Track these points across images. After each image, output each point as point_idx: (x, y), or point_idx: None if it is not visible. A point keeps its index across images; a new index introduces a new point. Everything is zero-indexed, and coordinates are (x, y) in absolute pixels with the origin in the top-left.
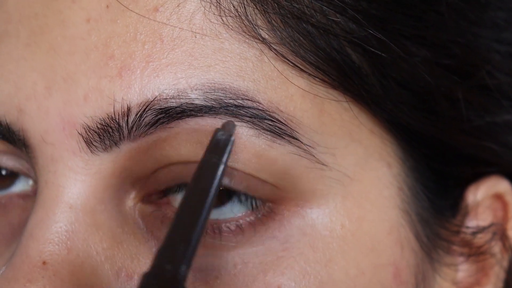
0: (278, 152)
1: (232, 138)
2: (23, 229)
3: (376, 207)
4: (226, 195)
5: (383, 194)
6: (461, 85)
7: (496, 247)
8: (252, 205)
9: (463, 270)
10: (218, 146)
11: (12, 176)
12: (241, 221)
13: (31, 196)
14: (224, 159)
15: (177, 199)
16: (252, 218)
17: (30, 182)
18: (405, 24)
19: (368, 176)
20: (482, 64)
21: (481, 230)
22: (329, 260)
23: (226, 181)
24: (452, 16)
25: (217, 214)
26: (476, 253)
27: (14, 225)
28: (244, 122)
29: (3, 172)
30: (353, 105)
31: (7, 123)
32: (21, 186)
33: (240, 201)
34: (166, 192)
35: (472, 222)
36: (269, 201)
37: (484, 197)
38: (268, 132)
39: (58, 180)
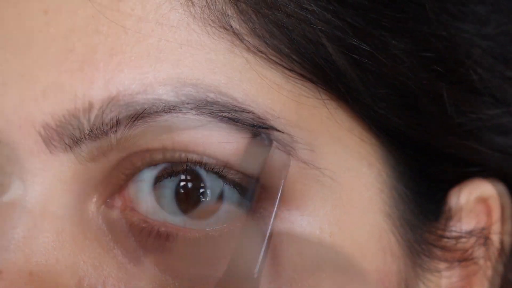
0: (256, 148)
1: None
2: None
3: (357, 209)
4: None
5: (364, 196)
6: (442, 80)
7: (480, 253)
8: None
9: (447, 276)
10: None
11: None
12: (225, 224)
13: None
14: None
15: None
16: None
17: None
18: (384, 15)
19: (348, 177)
20: (464, 59)
21: (464, 235)
22: (317, 267)
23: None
24: (433, 8)
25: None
26: (459, 259)
27: None
28: (218, 118)
29: None
30: (331, 101)
31: None
32: None
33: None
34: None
35: (455, 227)
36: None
37: (467, 200)
38: (247, 127)
39: (15, 183)
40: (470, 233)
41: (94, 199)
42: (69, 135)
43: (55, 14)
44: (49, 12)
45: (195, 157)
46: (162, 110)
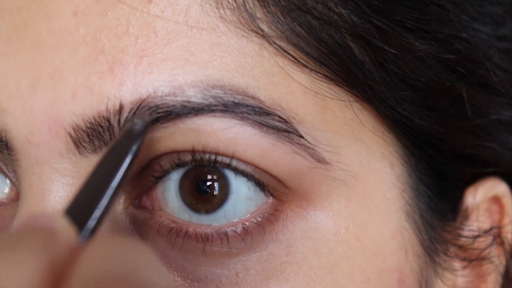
0: (281, 152)
1: (147, 127)
2: None
3: (380, 209)
4: (226, 192)
5: (387, 196)
6: (463, 81)
7: (494, 252)
8: (256, 201)
9: (463, 275)
10: (132, 133)
11: None
12: (247, 223)
13: (7, 204)
14: (135, 147)
15: (166, 200)
16: (258, 218)
17: (6, 189)
18: (408, 17)
19: (371, 176)
20: (483, 60)
21: (481, 233)
22: (334, 265)
23: (234, 163)
24: (453, 10)
25: (223, 216)
26: (476, 258)
27: None
28: (245, 120)
29: None
30: (356, 102)
31: None
32: None
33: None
34: (156, 188)
35: (472, 226)
36: (272, 196)
37: (482, 199)
38: (271, 131)
39: (44, 184)
40: (486, 233)
41: (122, 200)
42: (99, 136)
43: (85, 16)
44: (78, 14)
45: (224, 159)
46: (190, 112)
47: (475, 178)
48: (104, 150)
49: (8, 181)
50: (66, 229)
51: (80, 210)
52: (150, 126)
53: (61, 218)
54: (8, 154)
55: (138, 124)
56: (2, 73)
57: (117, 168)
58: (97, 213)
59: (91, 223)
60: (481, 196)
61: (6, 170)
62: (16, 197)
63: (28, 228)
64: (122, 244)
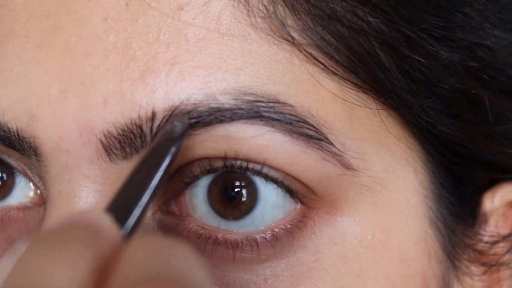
0: (311, 159)
1: (186, 130)
2: None
3: (404, 215)
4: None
5: (411, 202)
6: (485, 88)
7: (511, 257)
8: (283, 207)
9: (482, 280)
10: (172, 135)
11: (6, 186)
12: (276, 229)
13: (31, 208)
14: (174, 149)
15: (193, 206)
16: (287, 225)
17: (30, 193)
18: (434, 25)
19: (396, 183)
20: (504, 67)
21: (501, 239)
22: (361, 271)
23: (265, 170)
24: (476, 18)
25: (250, 222)
26: (495, 263)
27: (14, 239)
28: (277, 127)
29: None
30: (382, 110)
31: (16, 130)
32: (18, 197)
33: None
34: (184, 194)
35: (491, 231)
36: (301, 202)
37: (500, 204)
38: (302, 138)
39: (73, 190)
40: (506, 238)
41: (150, 205)
42: (131, 143)
43: (115, 22)
44: (108, 20)
45: (255, 166)
46: (223, 119)
47: (492, 183)
48: (135, 156)
49: (32, 185)
50: (109, 226)
51: (121, 208)
52: (189, 129)
53: (104, 215)
54: (37, 160)
55: (178, 126)
56: (31, 79)
57: (157, 169)
58: (137, 211)
59: (132, 220)
60: (498, 201)
61: (30, 175)
62: (39, 201)
63: (72, 225)
64: (164, 242)
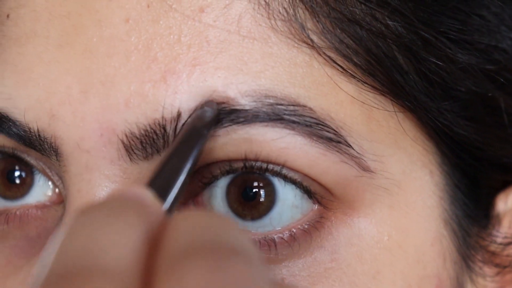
0: (330, 161)
1: (217, 114)
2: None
3: (420, 217)
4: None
5: (427, 204)
6: (501, 91)
7: None
8: (301, 208)
9: (494, 281)
10: (204, 117)
11: (26, 185)
12: (294, 230)
13: (50, 207)
14: (206, 132)
15: (212, 206)
16: (305, 225)
17: (48, 192)
18: (451, 28)
19: (412, 185)
20: None
21: None
22: (377, 272)
23: (284, 171)
24: (493, 20)
25: (268, 223)
26: (509, 265)
27: (33, 238)
28: (297, 130)
29: (17, 181)
30: (400, 112)
31: (37, 129)
32: (37, 196)
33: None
34: (203, 194)
35: (504, 232)
36: (319, 203)
37: None
38: (321, 140)
39: (93, 190)
40: None
41: None
42: (153, 144)
43: (136, 23)
44: (130, 21)
45: (275, 167)
46: (243, 121)
47: (505, 184)
48: (156, 157)
49: (51, 184)
50: (153, 201)
51: (161, 185)
52: (215, 116)
53: (147, 191)
54: (57, 159)
55: (208, 111)
56: (52, 80)
57: (191, 150)
58: (175, 189)
59: (171, 197)
60: (511, 202)
61: (50, 173)
62: (58, 200)
63: (120, 198)
64: (214, 215)
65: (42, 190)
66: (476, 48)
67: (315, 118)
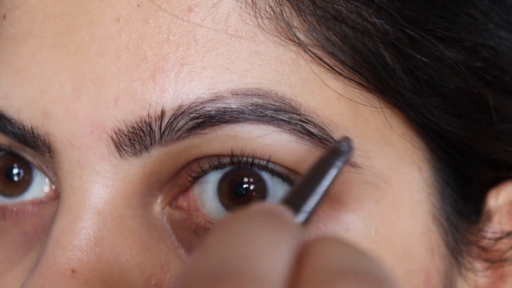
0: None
1: (352, 150)
2: (48, 236)
3: (408, 212)
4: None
5: (415, 199)
6: (489, 88)
7: None
8: None
9: (485, 276)
10: (340, 150)
11: (24, 182)
12: None
13: (46, 203)
14: (340, 163)
15: (203, 201)
16: None
17: (45, 188)
18: (438, 26)
19: (400, 180)
20: (508, 67)
21: (504, 235)
22: None
23: (270, 165)
24: (481, 18)
25: None
26: (498, 259)
27: (29, 233)
28: (283, 128)
29: (15, 178)
30: (387, 109)
31: (31, 127)
32: (35, 192)
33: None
34: (193, 189)
35: (495, 228)
36: None
37: (504, 202)
38: (307, 138)
39: (85, 185)
40: (508, 235)
41: (159, 200)
42: (140, 141)
43: (127, 23)
44: (120, 20)
45: (261, 162)
46: (230, 119)
47: (497, 181)
48: (145, 153)
49: (47, 181)
50: (292, 219)
51: (295, 205)
52: (352, 150)
53: (285, 208)
54: (50, 156)
55: (344, 146)
56: (46, 78)
57: (324, 176)
58: (308, 208)
59: (303, 215)
60: (503, 198)
61: (46, 170)
62: (54, 196)
63: (265, 212)
64: (350, 243)
65: (39, 187)
66: (463, 46)
67: (301, 116)
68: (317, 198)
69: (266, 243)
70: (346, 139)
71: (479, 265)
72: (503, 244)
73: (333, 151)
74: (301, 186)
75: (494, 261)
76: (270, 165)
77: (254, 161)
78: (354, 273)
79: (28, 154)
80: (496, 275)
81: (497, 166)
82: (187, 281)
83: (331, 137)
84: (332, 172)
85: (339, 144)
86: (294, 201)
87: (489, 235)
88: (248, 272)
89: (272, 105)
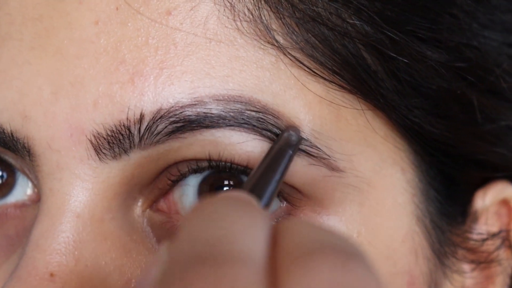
0: (299, 165)
1: (300, 140)
2: (28, 239)
3: (391, 214)
4: None
5: (398, 201)
6: (473, 89)
7: (503, 254)
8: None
9: (472, 276)
10: (290, 140)
11: (7, 185)
12: None
13: (28, 206)
14: (291, 151)
15: (183, 204)
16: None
17: (28, 191)
18: (420, 26)
19: (383, 182)
20: (493, 67)
21: (490, 236)
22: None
23: (248, 171)
24: (464, 19)
25: None
26: (484, 260)
27: (11, 236)
28: (264, 136)
29: None
30: (369, 110)
31: (10, 131)
32: (18, 195)
33: None
34: (173, 192)
35: (481, 229)
36: (287, 201)
37: (491, 203)
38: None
39: (64, 188)
40: (495, 235)
41: (140, 203)
42: (119, 144)
43: (105, 25)
44: (99, 23)
45: (239, 167)
46: (210, 124)
47: (484, 181)
48: (124, 157)
49: (30, 183)
50: (259, 204)
51: (257, 190)
52: (299, 140)
53: (250, 195)
54: (30, 159)
55: (293, 135)
56: (25, 81)
57: (279, 166)
58: (268, 194)
59: (265, 202)
60: (490, 199)
61: (28, 173)
62: (37, 199)
63: (234, 198)
64: (313, 223)
65: (23, 190)
66: (446, 46)
67: (282, 124)
68: (274, 185)
69: (243, 225)
70: (294, 129)
71: (465, 266)
72: (490, 245)
73: (285, 141)
74: (260, 175)
75: (481, 262)
76: (249, 170)
77: (232, 165)
78: (330, 247)
79: (10, 157)
80: (483, 276)
81: (482, 166)
82: (169, 269)
83: (314, 144)
84: (285, 161)
85: (288, 135)
86: (256, 189)
87: (475, 236)
88: (231, 252)
89: (255, 112)
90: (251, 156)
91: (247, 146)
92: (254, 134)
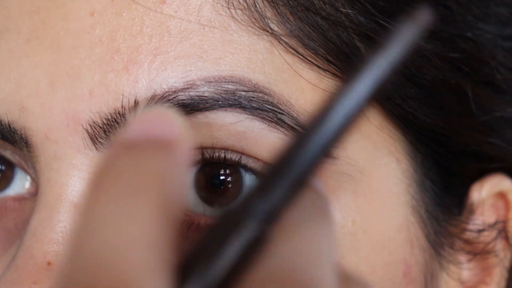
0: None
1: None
2: (26, 230)
3: (386, 203)
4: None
5: (393, 191)
6: (468, 80)
7: (500, 246)
8: None
9: (468, 268)
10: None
11: (6, 178)
12: None
13: (27, 199)
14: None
15: None
16: None
17: (26, 184)
18: None
19: (377, 172)
20: (488, 59)
21: (486, 228)
22: (341, 257)
23: (243, 160)
24: (458, 10)
25: None
26: (481, 252)
27: (10, 229)
28: (255, 115)
29: None
30: None
31: (8, 122)
32: (16, 188)
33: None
34: None
35: (477, 220)
36: None
37: (488, 195)
38: (280, 126)
39: (62, 178)
40: (491, 227)
41: None
42: (115, 133)
43: (101, 16)
44: (95, 14)
45: (233, 156)
46: (203, 107)
47: (481, 174)
48: None
49: (28, 177)
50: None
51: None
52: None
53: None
54: (28, 151)
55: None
56: (22, 73)
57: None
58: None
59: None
60: (486, 191)
61: (26, 167)
62: (36, 192)
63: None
64: None
65: (21, 183)
66: (440, 37)
67: (274, 104)
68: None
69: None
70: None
71: (462, 257)
72: (486, 237)
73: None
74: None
75: (477, 253)
76: (243, 160)
77: (226, 156)
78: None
79: (7, 152)
80: (480, 268)
81: (478, 157)
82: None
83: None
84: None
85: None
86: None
87: (471, 227)
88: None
89: (245, 91)
90: (244, 137)
91: (240, 126)
92: (246, 114)
